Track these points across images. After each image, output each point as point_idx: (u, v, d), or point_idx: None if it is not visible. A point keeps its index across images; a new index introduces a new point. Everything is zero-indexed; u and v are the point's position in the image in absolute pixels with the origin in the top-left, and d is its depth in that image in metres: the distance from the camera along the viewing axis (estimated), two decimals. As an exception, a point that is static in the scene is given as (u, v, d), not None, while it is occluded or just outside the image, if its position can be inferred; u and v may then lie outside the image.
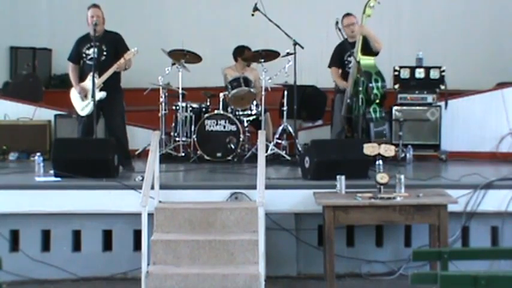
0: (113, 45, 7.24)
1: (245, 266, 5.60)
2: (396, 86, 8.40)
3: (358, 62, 7.47)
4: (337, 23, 7.65)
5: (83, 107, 7.26)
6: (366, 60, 7.58)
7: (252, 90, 8.06)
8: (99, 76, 7.04)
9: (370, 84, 7.44)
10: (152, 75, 8.39)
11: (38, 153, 7.42)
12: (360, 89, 7.47)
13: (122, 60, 7.11)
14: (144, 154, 7.82)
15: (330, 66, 8.06)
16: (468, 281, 3.21)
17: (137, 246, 6.08)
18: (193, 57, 8.46)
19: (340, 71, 7.97)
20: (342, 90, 7.87)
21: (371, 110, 7.49)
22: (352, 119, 7.64)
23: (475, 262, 4.92)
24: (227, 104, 8.17)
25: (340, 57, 7.93)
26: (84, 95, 7.20)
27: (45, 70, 11.33)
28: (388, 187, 5.78)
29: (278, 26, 8.08)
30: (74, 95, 7.32)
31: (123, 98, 7.57)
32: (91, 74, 7.05)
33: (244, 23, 9.52)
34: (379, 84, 7.51)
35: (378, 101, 7.54)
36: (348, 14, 7.88)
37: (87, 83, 7.18)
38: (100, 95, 7.03)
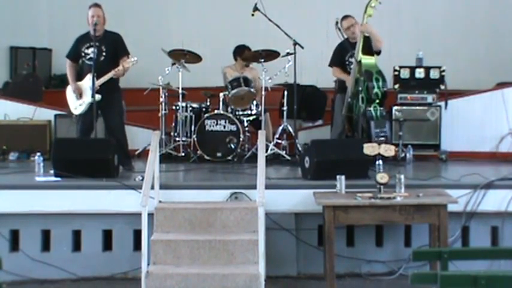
0: (113, 46, 7.23)
1: (245, 266, 5.60)
2: (396, 86, 8.40)
3: (360, 62, 7.47)
4: (337, 23, 7.68)
5: (76, 105, 7.26)
6: (367, 60, 7.58)
7: (252, 90, 8.06)
8: (97, 77, 7.03)
9: (371, 84, 7.44)
10: (152, 75, 8.39)
11: (38, 153, 7.42)
12: (360, 88, 7.47)
13: (120, 68, 7.09)
14: (144, 154, 7.83)
15: (330, 65, 8.06)
16: (468, 281, 3.21)
17: (137, 246, 6.08)
18: (193, 57, 8.46)
19: (340, 70, 7.98)
20: (342, 90, 7.88)
21: (371, 108, 7.49)
22: (352, 118, 7.65)
23: (475, 262, 4.93)
24: (227, 104, 8.17)
25: (341, 58, 7.93)
26: (78, 94, 7.20)
27: (45, 70, 11.33)
28: (388, 187, 5.78)
29: (278, 26, 8.09)
30: (70, 92, 7.32)
31: (122, 97, 7.57)
32: (89, 74, 7.06)
33: (244, 23, 9.52)
34: (380, 83, 7.50)
35: (378, 100, 7.54)
36: (346, 16, 7.86)
37: (84, 82, 7.18)
38: (96, 97, 6.99)
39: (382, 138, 7.29)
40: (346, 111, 7.73)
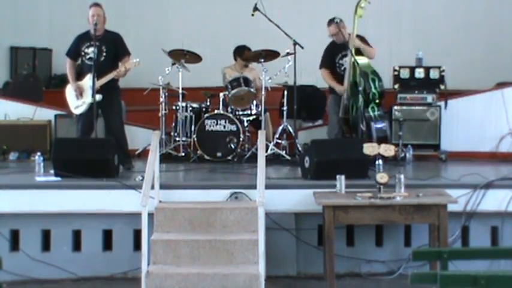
0: (113, 46, 7.24)
1: (245, 266, 5.60)
2: (396, 86, 8.40)
3: (357, 63, 7.49)
4: (337, 22, 7.68)
5: (76, 105, 7.27)
6: (361, 60, 7.60)
7: (252, 90, 8.07)
8: (98, 77, 7.02)
9: (368, 85, 7.46)
10: (152, 75, 8.39)
11: (38, 153, 7.43)
12: (360, 88, 7.49)
13: (122, 69, 7.09)
14: (144, 154, 7.83)
15: (320, 67, 8.08)
16: (468, 280, 3.21)
17: (137, 246, 6.09)
18: (193, 57, 8.46)
19: (330, 73, 7.98)
20: (335, 91, 7.90)
21: (369, 109, 7.51)
22: (349, 120, 7.66)
23: (474, 262, 4.94)
24: (227, 104, 8.17)
25: (331, 59, 7.96)
26: (79, 93, 7.21)
27: (45, 70, 11.33)
28: (388, 187, 5.79)
29: (278, 26, 8.09)
30: (69, 92, 7.33)
31: (121, 97, 7.56)
32: (89, 74, 7.07)
33: (244, 23, 9.52)
34: (377, 83, 7.54)
35: (376, 100, 7.56)
36: (328, 23, 7.86)
37: (84, 82, 7.19)
38: (96, 97, 7.00)
39: (384, 135, 7.33)
40: (343, 113, 7.73)
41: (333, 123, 7.99)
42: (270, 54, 8.24)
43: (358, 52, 7.62)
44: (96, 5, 7.26)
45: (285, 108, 8.22)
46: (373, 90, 7.49)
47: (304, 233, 6.26)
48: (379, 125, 7.53)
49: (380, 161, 5.99)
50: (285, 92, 8.28)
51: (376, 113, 7.55)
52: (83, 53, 7.24)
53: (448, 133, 8.24)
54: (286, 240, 6.21)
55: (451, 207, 5.76)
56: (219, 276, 5.46)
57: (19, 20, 11.09)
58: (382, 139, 7.24)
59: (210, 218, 5.94)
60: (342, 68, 7.80)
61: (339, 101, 7.82)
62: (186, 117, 8.23)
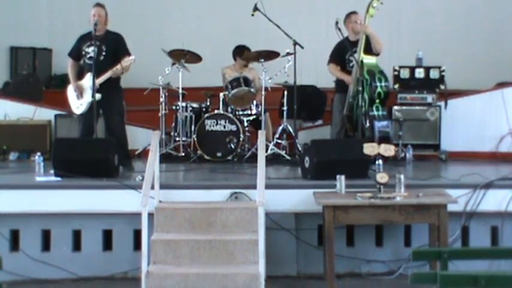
0: (113, 46, 7.24)
1: (245, 266, 5.60)
2: (396, 86, 8.40)
3: (361, 62, 7.49)
4: (337, 22, 7.69)
5: (77, 105, 7.28)
6: (369, 60, 7.62)
7: (252, 90, 8.07)
8: (97, 76, 7.02)
9: (374, 84, 7.48)
10: (152, 75, 8.40)
11: (38, 153, 7.43)
12: (360, 88, 7.50)
13: (118, 67, 7.08)
14: (144, 154, 7.83)
15: (329, 62, 8.07)
16: (468, 280, 3.21)
17: (137, 246, 6.09)
18: (193, 57, 8.46)
19: (339, 68, 7.98)
20: (342, 90, 7.90)
21: (373, 108, 7.53)
22: (353, 118, 7.67)
23: (474, 262, 4.94)
24: (227, 103, 8.17)
25: (340, 56, 7.94)
26: (79, 93, 7.21)
27: (45, 70, 11.33)
28: (388, 187, 5.78)
29: (278, 26, 8.10)
30: (70, 92, 7.34)
31: (123, 98, 7.56)
32: (88, 73, 7.08)
33: (244, 23, 9.53)
34: (383, 83, 7.56)
35: (381, 99, 7.57)
36: (355, 12, 7.90)
37: (84, 81, 7.20)
38: (96, 96, 7.00)
39: (387, 135, 7.34)
40: (348, 111, 7.74)
41: (336, 122, 8.00)
42: (270, 54, 8.24)
43: (368, 51, 7.62)
44: (98, 5, 7.28)
45: (285, 108, 8.22)
46: (379, 89, 7.51)
47: (304, 233, 6.26)
48: (382, 125, 7.54)
49: (380, 161, 5.99)
50: (285, 92, 8.29)
51: (380, 112, 7.56)
52: (83, 52, 7.25)
53: (448, 133, 8.24)
54: (286, 240, 6.21)
55: (451, 207, 5.76)
56: (219, 276, 5.46)
57: (19, 20, 11.10)
58: (385, 139, 7.25)
59: (210, 218, 5.94)
60: (351, 65, 7.80)
61: (343, 100, 7.83)
62: (186, 117, 8.23)
